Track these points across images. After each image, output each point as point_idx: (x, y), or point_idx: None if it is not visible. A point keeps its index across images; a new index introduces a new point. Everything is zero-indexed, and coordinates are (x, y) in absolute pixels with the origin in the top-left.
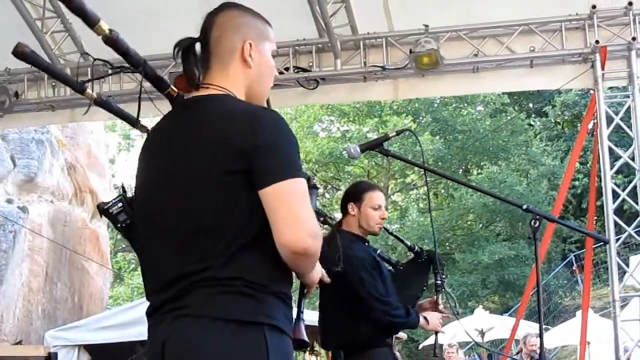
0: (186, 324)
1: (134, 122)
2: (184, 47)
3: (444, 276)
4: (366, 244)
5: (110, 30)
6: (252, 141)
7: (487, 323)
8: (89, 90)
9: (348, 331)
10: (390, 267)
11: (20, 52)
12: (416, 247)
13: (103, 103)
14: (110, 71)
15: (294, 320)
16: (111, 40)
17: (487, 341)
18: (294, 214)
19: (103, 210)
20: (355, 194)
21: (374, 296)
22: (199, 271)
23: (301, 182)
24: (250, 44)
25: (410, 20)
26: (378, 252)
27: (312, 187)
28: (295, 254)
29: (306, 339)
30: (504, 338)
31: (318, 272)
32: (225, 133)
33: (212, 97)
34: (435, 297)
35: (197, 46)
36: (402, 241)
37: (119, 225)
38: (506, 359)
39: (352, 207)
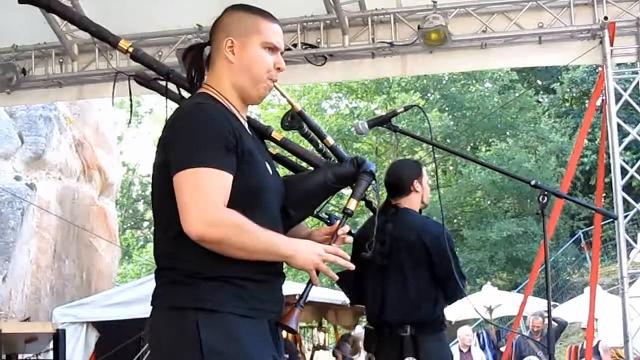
0: (152, 312)
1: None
2: (191, 51)
3: None
4: None
5: (132, 48)
6: (165, 137)
7: (496, 300)
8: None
9: (421, 307)
10: None
11: (141, 80)
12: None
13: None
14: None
15: (296, 304)
16: (135, 57)
17: (495, 318)
18: (184, 204)
19: None
20: (417, 172)
21: (460, 273)
22: (156, 262)
23: (195, 172)
24: (232, 41)
25: None
26: None
27: (363, 172)
28: (199, 241)
29: (294, 327)
30: (512, 315)
31: (305, 258)
32: (163, 131)
33: (191, 96)
34: None
35: (207, 50)
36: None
37: None
38: (514, 336)
39: (417, 184)
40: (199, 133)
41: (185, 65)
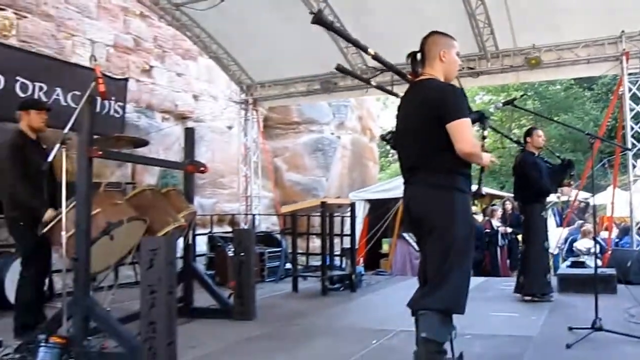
0: (417, 189)
1: (393, 94)
2: (412, 55)
3: (572, 172)
4: (535, 155)
5: (375, 52)
6: (443, 100)
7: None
8: (372, 82)
9: (524, 191)
10: (550, 166)
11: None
12: (562, 157)
13: (377, 87)
14: (380, 72)
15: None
16: (375, 58)
17: (562, 201)
18: (463, 136)
19: (383, 137)
20: (530, 133)
21: (536, 179)
22: (424, 163)
23: (466, 120)
24: (444, 52)
25: (525, 41)
26: (545, 159)
27: (484, 118)
28: (468, 155)
29: (483, 193)
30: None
31: (486, 160)
32: (431, 96)
33: (426, 80)
34: (568, 181)
35: (418, 55)
36: (553, 153)
37: (391, 145)
38: (572, 213)
39: (530, 139)
40: (462, 100)
41: (412, 63)
